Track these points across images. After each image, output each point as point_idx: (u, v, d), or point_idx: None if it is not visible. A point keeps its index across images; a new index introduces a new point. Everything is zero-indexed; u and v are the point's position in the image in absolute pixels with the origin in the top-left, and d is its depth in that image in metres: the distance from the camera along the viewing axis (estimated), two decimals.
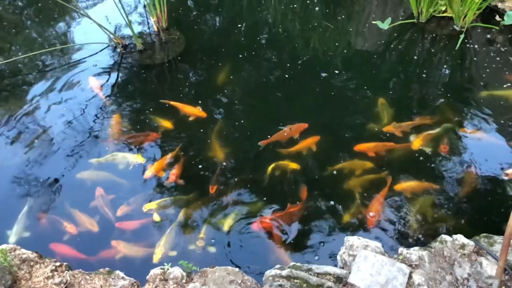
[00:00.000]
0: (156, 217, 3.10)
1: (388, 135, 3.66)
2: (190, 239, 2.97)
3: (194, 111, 3.86)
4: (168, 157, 3.48)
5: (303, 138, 3.63)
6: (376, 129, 3.71)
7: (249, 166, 3.50)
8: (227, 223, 3.03)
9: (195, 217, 3.12)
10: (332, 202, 3.19)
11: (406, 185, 3.27)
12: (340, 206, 3.16)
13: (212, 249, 2.91)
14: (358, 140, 3.59)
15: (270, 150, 3.58)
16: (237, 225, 3.05)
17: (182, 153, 3.53)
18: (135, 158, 3.46)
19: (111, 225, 3.07)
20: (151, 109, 3.94)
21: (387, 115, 3.85)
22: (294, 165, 3.39)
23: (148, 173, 3.36)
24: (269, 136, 3.65)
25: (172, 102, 3.94)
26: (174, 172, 3.37)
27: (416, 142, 3.57)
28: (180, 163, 3.44)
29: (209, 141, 3.64)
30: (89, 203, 3.18)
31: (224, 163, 3.46)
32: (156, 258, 2.83)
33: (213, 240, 2.97)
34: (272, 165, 3.42)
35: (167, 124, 3.78)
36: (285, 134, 3.65)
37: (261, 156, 3.54)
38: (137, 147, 3.61)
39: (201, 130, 3.73)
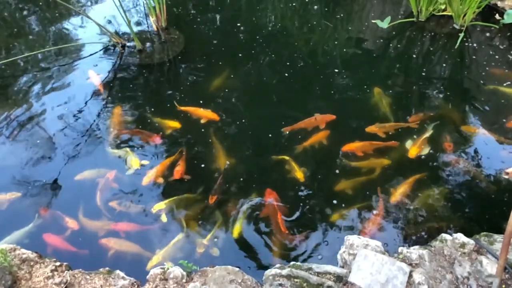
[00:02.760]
0: (164, 218, 3.08)
1: (390, 133, 3.67)
2: (191, 251, 2.91)
3: (207, 114, 3.83)
4: (168, 162, 3.44)
5: (314, 133, 3.65)
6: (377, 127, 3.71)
7: (251, 166, 3.49)
8: (235, 230, 3.00)
9: (199, 222, 3.08)
10: (335, 201, 3.18)
11: (400, 190, 3.25)
12: (342, 205, 3.16)
13: (215, 251, 2.90)
14: (358, 138, 3.59)
15: (275, 148, 3.58)
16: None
17: (184, 153, 3.51)
18: (134, 163, 3.42)
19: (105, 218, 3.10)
20: (152, 109, 3.93)
21: (386, 103, 3.89)
22: (299, 175, 3.33)
23: (146, 180, 3.31)
24: (270, 136, 3.66)
25: (184, 108, 3.90)
26: (179, 169, 3.35)
27: (413, 150, 3.51)
28: (184, 160, 3.43)
29: (210, 140, 3.63)
30: (90, 203, 3.18)
31: (228, 163, 3.44)
32: (150, 265, 2.80)
33: (215, 240, 2.96)
34: (283, 157, 3.43)
35: (168, 124, 3.76)
36: (311, 123, 3.68)
37: (264, 156, 3.54)
38: (138, 147, 3.60)
39: (202, 130, 3.73)
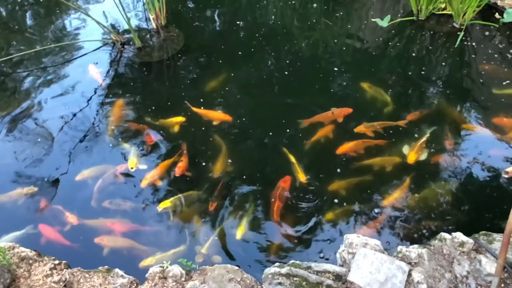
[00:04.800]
0: (170, 217, 3.08)
1: (391, 132, 3.67)
2: (189, 256, 2.85)
3: (219, 116, 3.81)
4: (167, 163, 3.42)
5: (320, 128, 3.67)
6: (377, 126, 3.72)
7: (252, 165, 3.49)
8: (238, 231, 2.99)
9: (201, 220, 3.07)
10: (336, 200, 3.18)
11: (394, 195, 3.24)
12: (344, 203, 3.16)
13: (216, 258, 2.89)
14: (359, 137, 3.59)
15: (276, 147, 3.57)
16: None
17: (185, 151, 3.49)
18: (131, 163, 3.40)
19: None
20: (153, 107, 3.92)
21: (384, 94, 3.95)
22: (302, 177, 3.31)
23: (145, 182, 3.27)
24: (271, 134, 3.66)
25: (194, 109, 3.88)
26: (181, 165, 3.33)
27: (411, 156, 3.45)
28: (186, 156, 3.42)
29: (211, 138, 3.62)
30: (90, 202, 3.18)
31: (229, 161, 3.44)
32: (142, 264, 2.79)
33: (216, 238, 2.96)
34: (290, 156, 3.44)
35: (169, 122, 3.75)
36: (328, 117, 3.72)
37: (265, 155, 3.54)
38: (138, 145, 3.59)
39: (203, 128, 3.72)
